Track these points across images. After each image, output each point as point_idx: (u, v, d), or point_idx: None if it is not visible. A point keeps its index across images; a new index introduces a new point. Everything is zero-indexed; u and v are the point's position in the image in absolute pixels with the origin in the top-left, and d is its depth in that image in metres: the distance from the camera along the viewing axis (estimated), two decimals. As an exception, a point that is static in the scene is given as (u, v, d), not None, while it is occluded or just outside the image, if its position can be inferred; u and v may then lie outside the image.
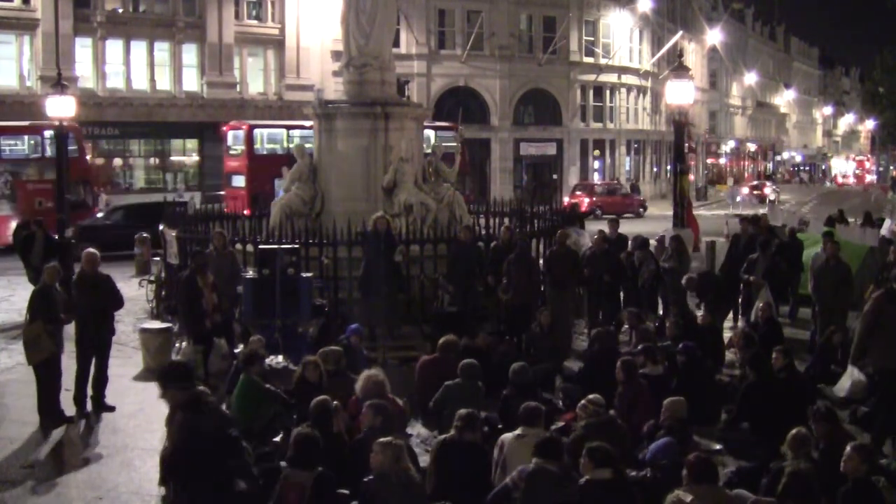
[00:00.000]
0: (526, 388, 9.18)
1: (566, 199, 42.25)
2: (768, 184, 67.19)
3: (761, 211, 25.93)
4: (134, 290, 18.53)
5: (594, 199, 42.84)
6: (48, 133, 27.99)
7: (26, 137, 29.53)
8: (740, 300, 14.93)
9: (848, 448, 6.76)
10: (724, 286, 14.57)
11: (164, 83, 39.50)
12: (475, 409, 7.64)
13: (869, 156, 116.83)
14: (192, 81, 40.36)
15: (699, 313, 13.07)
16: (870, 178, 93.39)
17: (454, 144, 37.45)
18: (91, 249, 11.17)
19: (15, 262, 24.16)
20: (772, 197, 55.49)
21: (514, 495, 6.58)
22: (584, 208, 39.28)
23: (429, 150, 37.66)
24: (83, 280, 10.71)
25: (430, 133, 38.28)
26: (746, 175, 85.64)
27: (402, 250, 13.18)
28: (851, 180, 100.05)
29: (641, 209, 43.88)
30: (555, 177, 50.59)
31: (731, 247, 16.10)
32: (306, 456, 6.80)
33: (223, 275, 12.49)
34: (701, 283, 13.80)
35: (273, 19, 43.03)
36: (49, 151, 28.51)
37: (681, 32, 59.04)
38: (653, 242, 15.79)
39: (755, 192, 58.33)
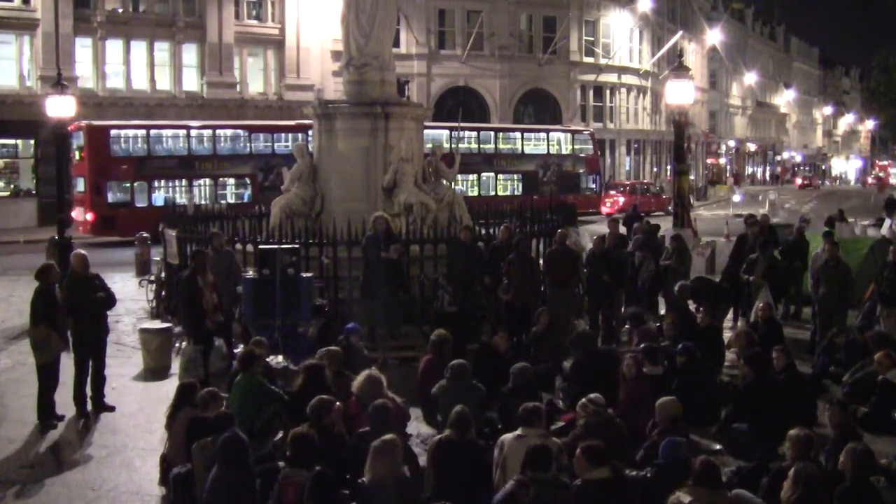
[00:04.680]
0: (526, 388, 9.18)
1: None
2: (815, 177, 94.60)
3: (761, 211, 25.90)
4: (134, 290, 18.55)
5: (629, 197, 43.80)
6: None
7: (290, 135, 32.41)
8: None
9: (845, 448, 6.76)
10: (719, 290, 14.55)
11: (164, 83, 39.52)
12: (466, 408, 7.63)
13: (890, 160, 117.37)
14: (192, 81, 40.38)
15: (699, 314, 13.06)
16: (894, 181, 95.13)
17: (589, 146, 40.28)
18: (80, 251, 11.15)
19: (14, 261, 24.23)
20: (772, 196, 55.64)
21: None
22: (620, 206, 40.13)
23: (566, 153, 41.05)
24: (74, 281, 10.70)
25: (564, 136, 42.59)
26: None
27: (397, 248, 13.13)
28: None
29: (670, 207, 44.50)
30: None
31: (737, 247, 16.03)
32: (303, 455, 6.82)
33: (221, 274, 12.49)
34: (695, 289, 13.79)
35: (273, 19, 43.05)
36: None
37: (681, 32, 59.05)
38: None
39: (807, 185, 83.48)
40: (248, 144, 32.82)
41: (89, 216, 29.95)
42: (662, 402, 8.29)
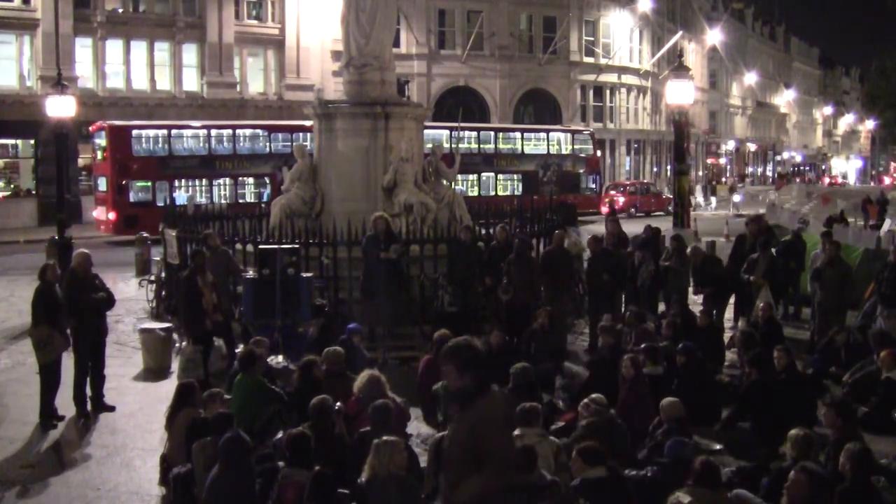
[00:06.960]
0: (526, 388, 9.17)
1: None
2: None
3: (761, 211, 25.93)
4: (134, 290, 18.55)
5: (629, 197, 43.85)
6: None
7: (309, 135, 32.93)
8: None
9: (845, 448, 6.76)
10: (724, 277, 14.52)
11: (164, 83, 39.51)
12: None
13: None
14: (192, 81, 40.37)
15: (699, 311, 13.06)
16: None
17: (589, 146, 40.51)
18: (83, 250, 11.15)
19: (14, 261, 24.24)
20: (771, 197, 55.65)
21: None
22: (619, 206, 40.20)
23: (566, 153, 41.31)
24: (74, 280, 10.70)
25: (564, 136, 42.73)
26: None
27: (397, 248, 13.12)
28: None
29: (670, 207, 44.58)
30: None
31: (736, 247, 16.01)
32: (300, 455, 6.83)
33: (219, 274, 12.49)
34: (703, 271, 13.76)
35: (273, 19, 43.03)
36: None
37: (681, 32, 59.03)
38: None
39: (834, 184, 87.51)
40: (267, 144, 33.22)
41: (112, 215, 30.36)
42: (666, 403, 8.29)
